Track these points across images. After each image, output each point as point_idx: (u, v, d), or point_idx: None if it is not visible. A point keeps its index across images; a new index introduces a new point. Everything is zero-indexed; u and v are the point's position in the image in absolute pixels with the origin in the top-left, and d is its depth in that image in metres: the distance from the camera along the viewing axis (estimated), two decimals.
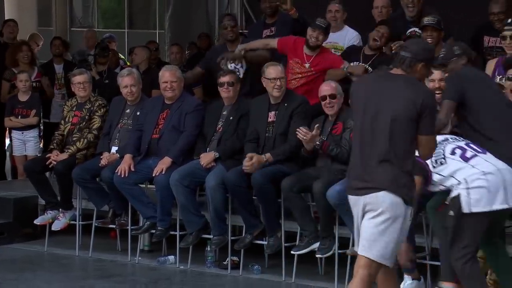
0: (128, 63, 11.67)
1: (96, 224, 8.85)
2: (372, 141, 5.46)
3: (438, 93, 6.84)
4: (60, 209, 8.94)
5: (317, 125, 7.59)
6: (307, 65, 8.48)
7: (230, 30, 9.00)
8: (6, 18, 12.86)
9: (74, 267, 8.61)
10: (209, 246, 8.21)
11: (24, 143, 10.30)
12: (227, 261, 8.14)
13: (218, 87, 8.28)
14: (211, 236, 8.11)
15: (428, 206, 6.68)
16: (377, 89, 5.57)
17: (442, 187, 6.37)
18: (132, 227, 8.57)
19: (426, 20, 8.04)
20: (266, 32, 9.09)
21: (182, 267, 8.32)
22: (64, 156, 8.82)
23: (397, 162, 5.41)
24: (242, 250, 8.01)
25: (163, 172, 8.14)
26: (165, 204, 8.25)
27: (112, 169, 8.39)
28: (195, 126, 8.35)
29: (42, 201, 9.23)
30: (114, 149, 8.71)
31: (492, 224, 6.21)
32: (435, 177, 6.37)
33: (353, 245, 7.34)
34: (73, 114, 9.05)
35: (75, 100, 9.14)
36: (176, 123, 8.40)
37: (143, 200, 8.40)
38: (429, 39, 7.87)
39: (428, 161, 6.29)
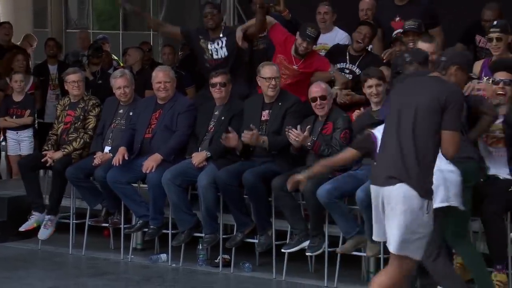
0: (122, 64, 11.63)
1: (90, 223, 8.84)
2: (396, 134, 5.47)
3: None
4: (48, 216, 8.88)
5: (308, 126, 7.57)
6: (295, 66, 8.44)
7: (210, 18, 8.80)
8: (2, 20, 12.79)
9: (67, 265, 8.59)
10: (200, 245, 8.19)
11: (19, 143, 10.27)
12: (219, 259, 8.13)
13: (210, 88, 8.25)
14: (202, 235, 8.09)
15: None
16: (409, 86, 5.61)
17: None
18: (125, 226, 8.56)
19: (407, 25, 7.99)
20: None
21: (174, 265, 8.30)
22: (59, 154, 8.78)
23: (416, 155, 5.40)
24: (233, 248, 8.00)
25: (153, 170, 8.09)
26: (157, 203, 8.23)
27: (105, 169, 8.36)
28: (187, 126, 8.32)
29: None
30: (107, 149, 8.69)
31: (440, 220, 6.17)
32: None
33: (343, 243, 7.36)
34: (66, 114, 9.01)
35: (67, 99, 9.09)
36: (169, 123, 8.38)
37: (135, 199, 8.38)
38: (410, 44, 7.83)
39: (379, 142, 6.20)
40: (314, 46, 8.55)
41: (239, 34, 8.67)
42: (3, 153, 11.13)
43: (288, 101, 7.94)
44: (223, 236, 8.09)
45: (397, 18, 8.22)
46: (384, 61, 8.32)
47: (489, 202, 6.60)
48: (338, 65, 8.48)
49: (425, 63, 6.79)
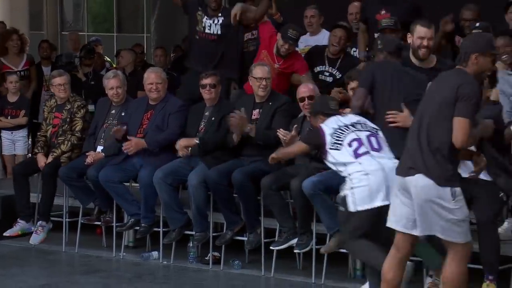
0: (114, 65, 11.62)
1: (82, 221, 8.81)
2: (418, 127, 5.54)
3: None
4: (40, 222, 8.84)
5: (295, 125, 7.56)
6: (276, 65, 8.44)
7: (214, 0, 8.75)
8: None
9: (60, 263, 8.56)
10: (191, 242, 8.18)
11: (13, 143, 10.25)
12: (209, 256, 8.11)
13: (200, 89, 8.23)
14: (193, 233, 8.08)
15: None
16: (436, 81, 5.67)
17: (334, 168, 6.54)
18: (117, 224, 8.53)
19: (384, 22, 7.95)
20: (247, 35, 9.02)
21: (165, 262, 8.29)
22: (49, 159, 8.77)
23: (432, 148, 5.45)
24: (223, 246, 7.99)
25: (130, 153, 8.18)
26: (148, 202, 8.21)
27: (97, 168, 8.35)
28: (178, 126, 8.30)
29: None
30: (99, 148, 8.67)
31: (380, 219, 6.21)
32: (329, 157, 6.53)
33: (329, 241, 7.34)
34: (53, 116, 8.98)
35: (54, 101, 9.06)
36: (160, 123, 8.36)
37: (127, 198, 8.35)
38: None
39: (328, 137, 6.48)
40: (302, 48, 8.53)
41: (236, 10, 8.62)
42: None
43: (279, 101, 7.94)
44: (213, 234, 8.07)
45: (383, 11, 8.20)
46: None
47: (481, 209, 6.53)
48: (318, 68, 8.46)
49: (396, 53, 6.88)
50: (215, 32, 8.71)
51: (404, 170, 5.58)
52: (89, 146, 8.72)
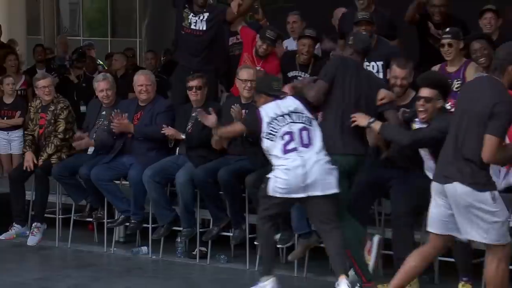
0: (106, 68, 11.61)
1: (75, 218, 8.80)
2: (455, 136, 5.54)
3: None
4: (35, 223, 8.80)
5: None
6: (258, 67, 8.44)
7: None
8: None
9: (54, 258, 8.55)
10: (179, 238, 8.17)
11: (9, 143, 10.20)
12: (196, 251, 8.11)
13: (187, 91, 8.21)
14: (181, 228, 8.07)
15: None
16: (469, 91, 5.66)
17: (267, 153, 6.68)
18: (108, 220, 8.51)
19: (360, 15, 7.93)
20: (232, 40, 9.01)
21: (154, 257, 8.28)
22: (40, 163, 8.72)
23: (468, 158, 5.46)
24: (209, 241, 7.99)
25: (116, 132, 8.20)
26: (138, 199, 8.21)
27: (89, 167, 8.34)
28: (166, 124, 8.25)
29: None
30: (91, 148, 8.65)
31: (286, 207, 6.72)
32: (263, 144, 6.66)
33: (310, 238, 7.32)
34: (39, 116, 8.93)
35: (39, 101, 9.00)
36: (148, 123, 8.34)
37: (118, 195, 8.34)
38: (363, 33, 7.83)
39: (264, 125, 6.61)
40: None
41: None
42: None
43: None
44: (200, 230, 8.07)
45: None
46: None
47: None
48: (291, 73, 8.42)
49: (362, 53, 6.84)
50: (201, 28, 8.70)
51: (441, 178, 5.60)
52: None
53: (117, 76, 10.78)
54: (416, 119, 6.51)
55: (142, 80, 8.44)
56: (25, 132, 9.07)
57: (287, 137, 6.57)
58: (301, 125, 6.62)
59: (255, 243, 7.63)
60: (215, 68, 8.69)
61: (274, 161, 6.60)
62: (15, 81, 10.32)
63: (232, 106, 7.70)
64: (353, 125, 6.68)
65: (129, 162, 8.28)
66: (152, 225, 8.25)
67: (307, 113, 6.69)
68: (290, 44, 9.12)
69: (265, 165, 7.57)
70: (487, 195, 5.44)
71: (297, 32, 8.99)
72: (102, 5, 21.08)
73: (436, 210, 5.72)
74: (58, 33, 19.56)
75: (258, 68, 8.41)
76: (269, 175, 6.59)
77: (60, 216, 8.90)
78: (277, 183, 6.51)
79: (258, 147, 6.84)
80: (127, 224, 8.37)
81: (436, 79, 6.54)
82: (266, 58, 8.48)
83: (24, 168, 8.80)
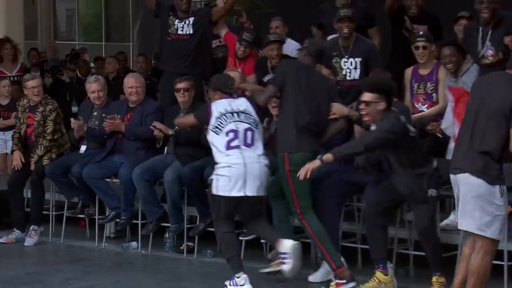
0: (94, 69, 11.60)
1: (67, 214, 8.79)
2: (471, 130, 5.52)
3: None
4: (32, 226, 8.73)
5: (267, 119, 7.53)
6: (239, 69, 8.45)
7: (185, 2, 8.72)
8: None
9: (47, 252, 8.52)
10: (167, 233, 8.16)
11: (5, 142, 10.13)
12: (184, 246, 8.10)
13: (175, 93, 8.19)
14: (169, 224, 8.06)
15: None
16: (484, 86, 5.64)
17: (211, 146, 6.79)
18: (99, 217, 8.50)
19: (343, 12, 7.94)
20: (215, 43, 9.02)
21: (143, 252, 8.27)
22: (32, 166, 8.65)
23: (484, 151, 5.44)
24: (196, 237, 7.97)
25: (110, 126, 8.16)
26: (128, 196, 8.19)
27: (81, 166, 8.32)
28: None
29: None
30: (83, 148, 8.63)
31: (238, 206, 6.71)
32: (209, 136, 6.77)
33: (296, 233, 7.31)
34: (26, 116, 8.86)
35: (27, 101, 8.93)
36: (138, 124, 8.31)
37: (108, 193, 8.32)
38: (345, 30, 7.84)
39: (213, 119, 6.70)
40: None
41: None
42: None
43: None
44: (187, 226, 8.06)
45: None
46: None
47: (419, 218, 6.49)
48: (266, 78, 8.38)
49: (315, 56, 6.89)
50: (187, 32, 8.69)
51: (455, 169, 5.60)
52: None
53: (109, 78, 10.77)
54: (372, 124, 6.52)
55: (132, 83, 8.42)
56: (13, 131, 8.98)
57: (231, 135, 6.67)
58: (247, 126, 6.71)
59: (240, 238, 7.59)
60: (202, 70, 8.67)
61: (216, 156, 6.69)
62: (11, 68, 10.23)
63: None
64: (332, 117, 6.77)
65: (119, 161, 8.26)
66: (142, 221, 8.23)
67: (255, 116, 6.78)
68: (289, 44, 9.09)
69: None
70: (496, 188, 5.44)
71: (281, 36, 8.97)
72: (97, 11, 21.04)
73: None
74: (55, 38, 19.53)
75: (239, 70, 8.41)
76: (211, 177, 6.71)
77: (53, 213, 8.88)
78: (219, 181, 6.61)
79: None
80: (118, 220, 8.35)
81: (375, 83, 6.56)
82: (245, 60, 8.48)
83: (13, 167, 8.74)
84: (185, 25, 8.69)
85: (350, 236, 7.33)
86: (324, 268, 6.93)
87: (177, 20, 8.71)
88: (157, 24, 9.26)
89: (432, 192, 6.35)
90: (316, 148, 6.75)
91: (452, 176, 5.72)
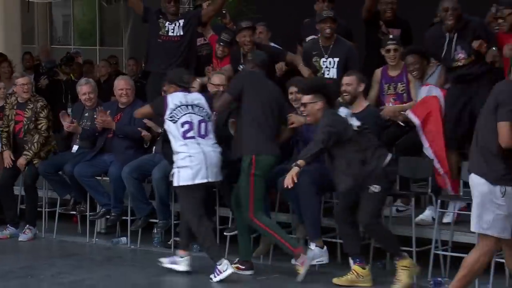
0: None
1: (60, 211, 8.76)
2: (476, 134, 5.51)
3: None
4: (27, 225, 8.66)
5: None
6: (218, 69, 8.46)
7: (172, 5, 8.72)
8: None
9: (40, 247, 8.46)
10: (155, 229, 8.13)
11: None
12: (171, 241, 8.05)
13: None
14: (157, 220, 8.02)
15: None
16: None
17: (169, 135, 6.93)
18: (90, 213, 8.46)
19: (325, 13, 7.95)
20: (200, 41, 9.01)
21: (132, 246, 8.24)
22: (22, 161, 8.55)
23: (483, 150, 5.39)
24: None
25: (101, 123, 8.12)
26: (117, 194, 8.16)
27: (73, 164, 8.28)
28: (142, 125, 8.16)
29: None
30: (75, 147, 8.58)
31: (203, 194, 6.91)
32: (165, 125, 6.94)
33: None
34: (15, 113, 8.76)
35: (15, 98, 8.83)
36: (127, 124, 8.26)
37: (99, 190, 8.29)
38: (327, 30, 7.83)
39: (168, 110, 6.85)
40: None
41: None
42: None
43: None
44: (175, 222, 8.01)
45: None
46: None
47: (361, 214, 6.47)
48: (241, 66, 8.32)
49: (260, 66, 7.05)
50: (178, 34, 8.68)
51: (468, 171, 5.58)
52: (66, 144, 8.64)
53: (100, 81, 10.72)
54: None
55: (122, 85, 8.39)
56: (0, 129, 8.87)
57: (186, 126, 6.86)
58: (200, 118, 6.94)
59: (225, 233, 7.61)
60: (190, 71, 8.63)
61: (175, 144, 6.86)
62: (8, 86, 10.15)
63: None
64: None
65: (109, 160, 8.22)
66: (131, 218, 8.20)
67: (207, 109, 7.01)
68: None
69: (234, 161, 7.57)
70: (497, 189, 5.34)
71: (264, 41, 8.94)
72: (92, 17, 20.99)
73: None
74: (51, 42, 19.44)
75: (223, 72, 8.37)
76: (173, 171, 6.85)
77: (46, 210, 8.84)
78: (181, 172, 6.77)
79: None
80: (108, 216, 8.31)
81: (309, 85, 6.76)
82: (223, 59, 8.51)
83: (6, 165, 8.67)
84: (176, 27, 8.68)
85: (329, 231, 7.29)
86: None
87: (167, 22, 8.70)
88: (146, 30, 9.22)
89: (374, 188, 6.36)
90: (278, 152, 6.89)
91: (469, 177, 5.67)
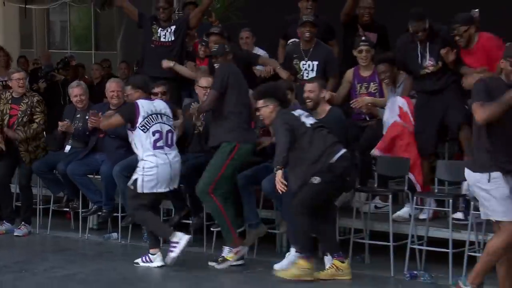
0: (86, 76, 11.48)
1: (53, 208, 8.72)
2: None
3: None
4: (22, 222, 8.60)
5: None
6: (201, 67, 8.50)
7: (162, 11, 8.71)
8: None
9: (34, 243, 8.42)
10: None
11: None
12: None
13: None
14: None
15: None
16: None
17: (133, 143, 7.01)
18: (82, 210, 8.41)
19: (305, 17, 7.94)
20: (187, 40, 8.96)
21: (123, 242, 8.21)
22: (11, 133, 8.37)
23: (474, 144, 5.39)
24: (172, 227, 7.82)
25: (89, 125, 8.09)
26: (109, 191, 8.11)
27: (65, 163, 8.23)
28: None
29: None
30: (67, 147, 8.54)
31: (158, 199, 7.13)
32: (136, 133, 6.93)
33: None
34: (9, 107, 8.62)
35: (9, 93, 8.70)
36: None
37: (91, 188, 8.24)
38: (307, 34, 7.81)
39: (140, 118, 6.87)
40: None
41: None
42: None
43: None
44: (164, 218, 7.99)
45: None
46: None
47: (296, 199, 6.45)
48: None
49: (224, 56, 7.10)
50: (169, 39, 8.67)
51: None
52: (59, 144, 8.57)
53: (93, 83, 10.66)
54: None
55: (113, 87, 8.33)
56: None
57: (157, 135, 6.90)
58: (168, 128, 7.00)
59: (211, 229, 7.57)
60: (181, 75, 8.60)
61: (143, 153, 6.89)
62: (4, 73, 10.06)
63: (192, 103, 7.66)
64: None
65: (101, 158, 8.18)
66: (121, 214, 8.14)
67: (172, 118, 7.10)
68: (257, 52, 8.98)
69: None
70: (483, 176, 5.27)
71: (250, 46, 8.91)
72: (87, 23, 21.00)
73: None
74: (49, 47, 19.36)
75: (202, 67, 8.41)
76: (135, 176, 6.92)
77: (40, 207, 8.81)
78: (145, 181, 6.85)
79: None
80: (99, 213, 8.26)
81: (258, 91, 6.82)
82: (204, 59, 8.54)
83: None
84: (167, 33, 8.67)
85: None
86: (288, 259, 6.81)
87: (160, 28, 8.69)
88: (138, 34, 9.20)
89: (314, 180, 6.35)
90: (256, 140, 7.03)
91: None
